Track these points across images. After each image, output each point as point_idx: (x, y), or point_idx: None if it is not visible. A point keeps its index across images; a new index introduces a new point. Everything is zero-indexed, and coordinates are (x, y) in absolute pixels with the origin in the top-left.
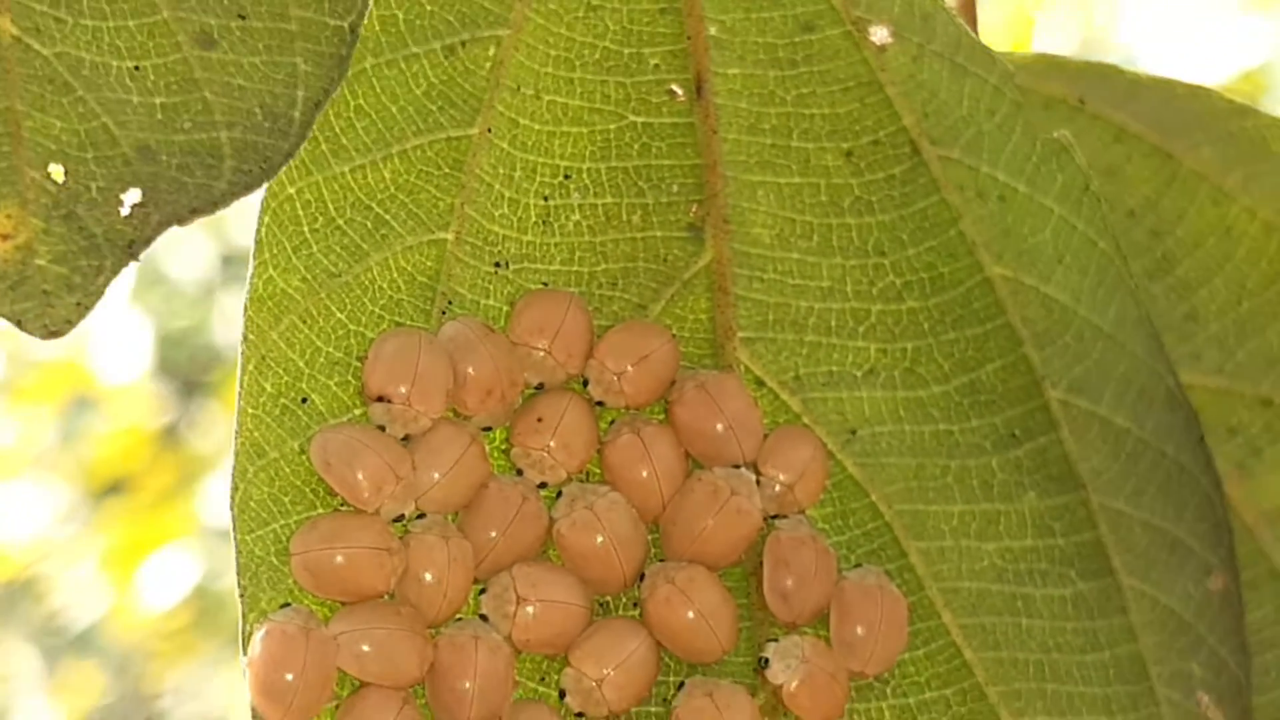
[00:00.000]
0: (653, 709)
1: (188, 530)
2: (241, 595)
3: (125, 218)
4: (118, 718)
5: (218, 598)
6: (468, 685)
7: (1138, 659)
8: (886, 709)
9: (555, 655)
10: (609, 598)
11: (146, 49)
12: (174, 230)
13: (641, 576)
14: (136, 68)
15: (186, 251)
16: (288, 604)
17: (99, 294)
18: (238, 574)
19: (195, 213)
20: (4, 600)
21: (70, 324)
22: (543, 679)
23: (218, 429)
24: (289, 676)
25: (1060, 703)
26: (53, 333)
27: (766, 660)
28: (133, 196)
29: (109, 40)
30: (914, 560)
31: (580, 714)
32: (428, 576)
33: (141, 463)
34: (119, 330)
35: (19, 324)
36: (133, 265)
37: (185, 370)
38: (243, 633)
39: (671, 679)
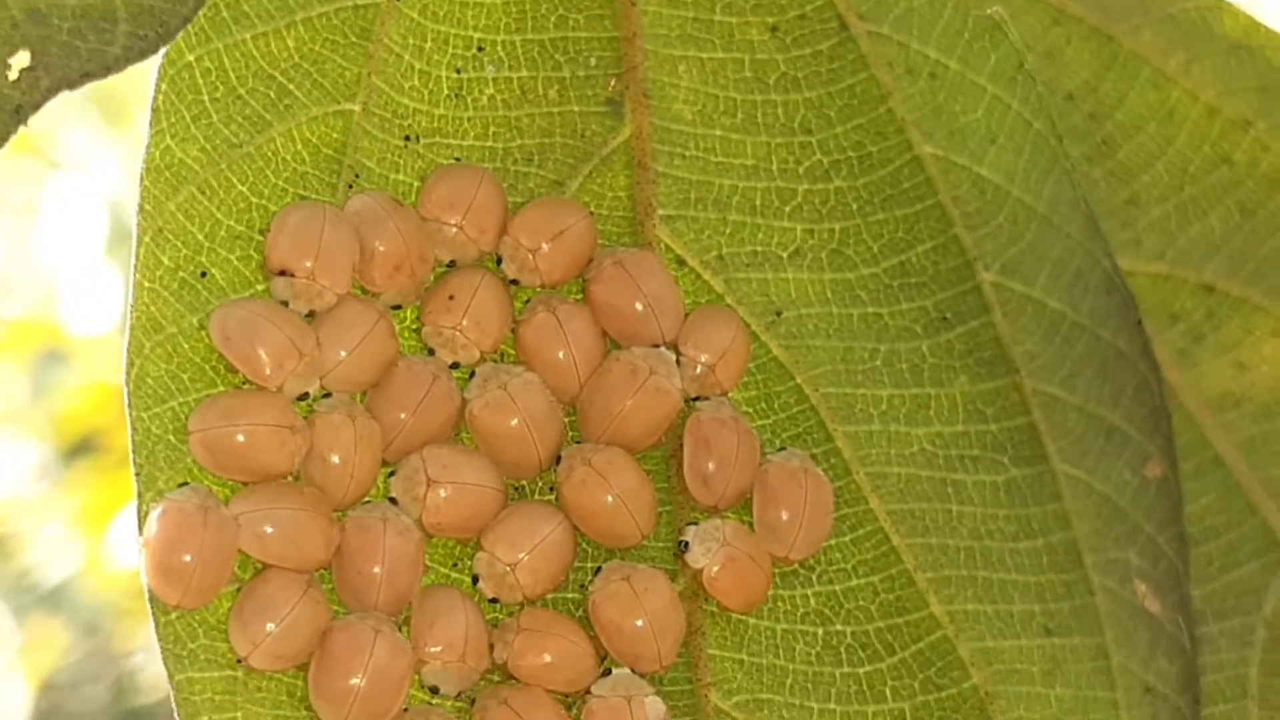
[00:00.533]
0: (569, 595)
1: None
2: (137, 475)
3: (13, 82)
4: (88, 675)
5: None
6: (376, 569)
7: (1072, 546)
8: (811, 595)
9: (467, 540)
10: (523, 482)
11: None
12: None
13: (557, 460)
14: None
15: None
16: (185, 483)
17: None
18: (133, 452)
19: (86, 77)
20: None
21: None
22: (455, 564)
23: None
24: (186, 558)
25: (992, 590)
26: None
27: (686, 544)
28: (21, 60)
29: None
30: (840, 445)
31: (494, 599)
32: (334, 458)
33: (112, 418)
34: (89, 285)
35: None
36: (104, 219)
37: None
38: (139, 513)
39: (589, 565)
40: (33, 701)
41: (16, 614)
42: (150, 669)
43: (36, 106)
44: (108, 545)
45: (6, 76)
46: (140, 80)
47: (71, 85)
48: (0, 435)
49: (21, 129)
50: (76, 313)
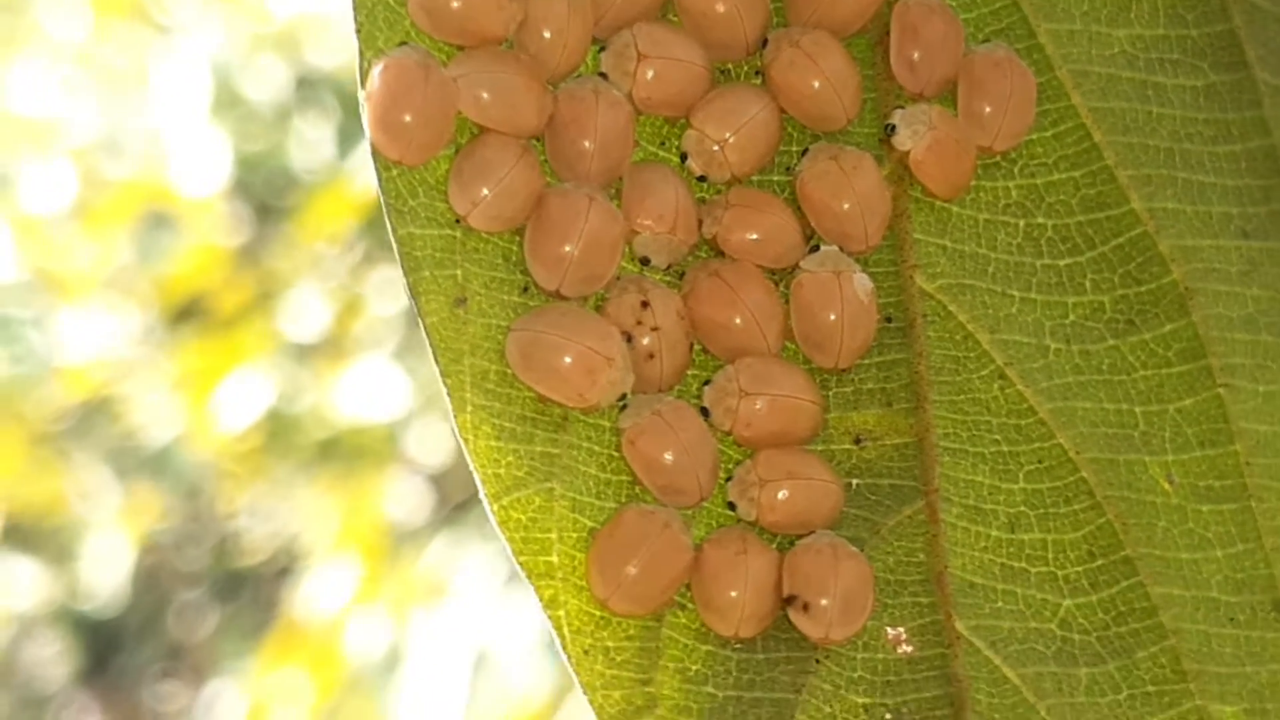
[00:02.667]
0: (775, 178)
1: (263, 351)
2: (358, 31)
3: None
4: (189, 537)
5: (292, 420)
6: (588, 142)
7: (1270, 153)
8: (1013, 187)
9: (676, 117)
10: (730, 65)
11: None
12: (249, 51)
13: (764, 42)
14: None
15: (262, 74)
16: (405, 43)
17: None
18: (354, 9)
19: None
20: (78, 421)
21: None
22: (663, 144)
23: (295, 253)
24: (407, 116)
25: (1191, 191)
26: None
27: (893, 127)
28: None
29: None
30: (1043, 41)
31: (702, 177)
32: (547, 29)
33: (217, 282)
34: (196, 148)
35: None
36: (209, 84)
37: (261, 194)
38: (360, 70)
39: (794, 149)
40: (134, 561)
41: (120, 476)
42: (252, 532)
43: None
44: (211, 409)
45: None
46: None
47: None
48: (105, 298)
49: None
50: (182, 176)
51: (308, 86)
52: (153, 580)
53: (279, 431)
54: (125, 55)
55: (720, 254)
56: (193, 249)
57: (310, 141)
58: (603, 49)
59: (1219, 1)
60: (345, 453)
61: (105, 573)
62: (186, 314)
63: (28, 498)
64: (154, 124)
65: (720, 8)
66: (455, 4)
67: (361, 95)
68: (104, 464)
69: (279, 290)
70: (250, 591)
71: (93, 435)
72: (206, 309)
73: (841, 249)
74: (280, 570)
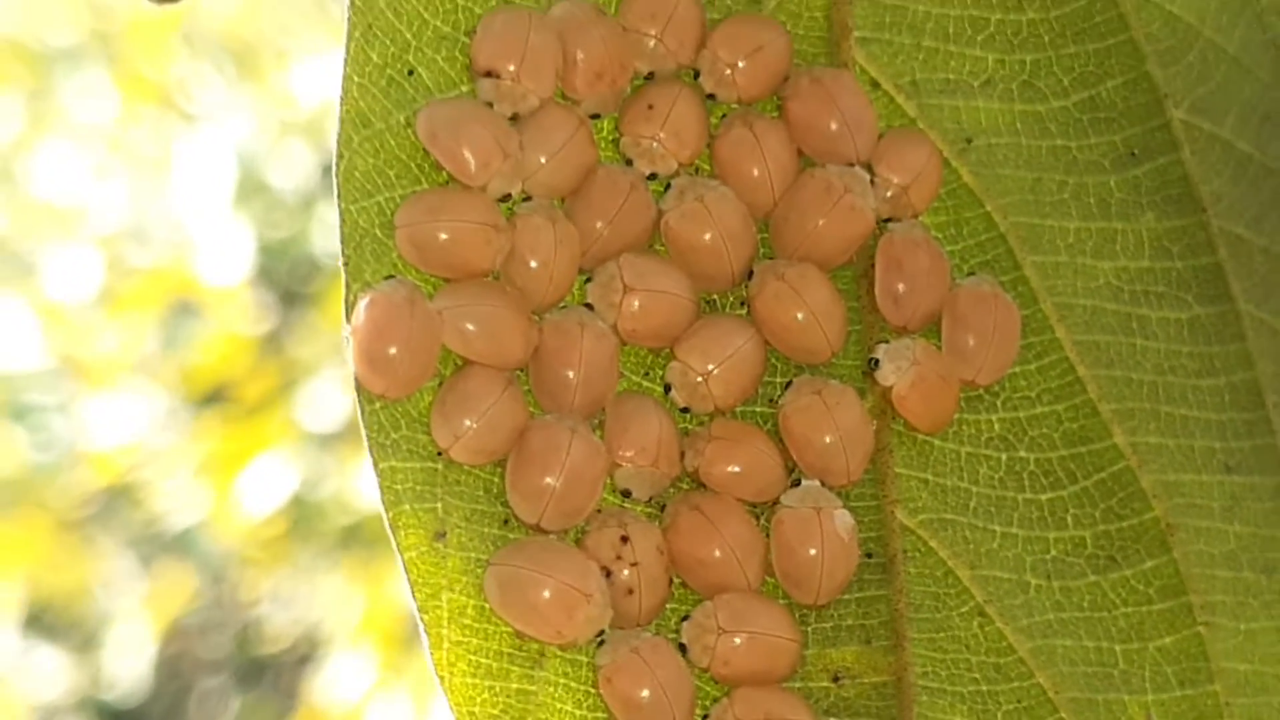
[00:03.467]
0: (758, 409)
1: (286, 438)
2: (345, 265)
3: None
4: (212, 624)
5: (315, 507)
6: (572, 373)
7: (1254, 386)
8: (996, 420)
9: (660, 349)
10: (716, 295)
11: None
12: (274, 141)
13: (750, 274)
14: None
15: (287, 161)
16: (391, 276)
17: None
18: (341, 244)
19: None
20: (102, 505)
21: None
22: (646, 374)
23: (318, 339)
24: (392, 349)
25: (1174, 425)
26: None
27: (876, 361)
28: None
29: None
30: (1029, 273)
31: (685, 409)
32: (533, 260)
33: (242, 370)
34: (220, 236)
35: None
36: (234, 173)
37: (285, 280)
38: (346, 303)
39: (778, 380)
40: (157, 647)
41: (143, 561)
42: (274, 618)
43: None
44: (234, 494)
45: None
46: (272, 34)
47: None
48: (130, 384)
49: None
50: (207, 264)
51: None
52: (175, 667)
53: (301, 518)
54: (152, 142)
55: (702, 486)
56: (217, 337)
57: (334, 228)
58: (589, 279)
59: (1204, 234)
60: (367, 540)
61: (128, 660)
62: (211, 400)
63: (52, 584)
64: (179, 211)
65: (707, 239)
66: (442, 237)
67: (346, 329)
68: (127, 550)
69: (302, 377)
70: (272, 679)
71: (116, 521)
72: (230, 395)
73: (823, 483)
74: (302, 657)
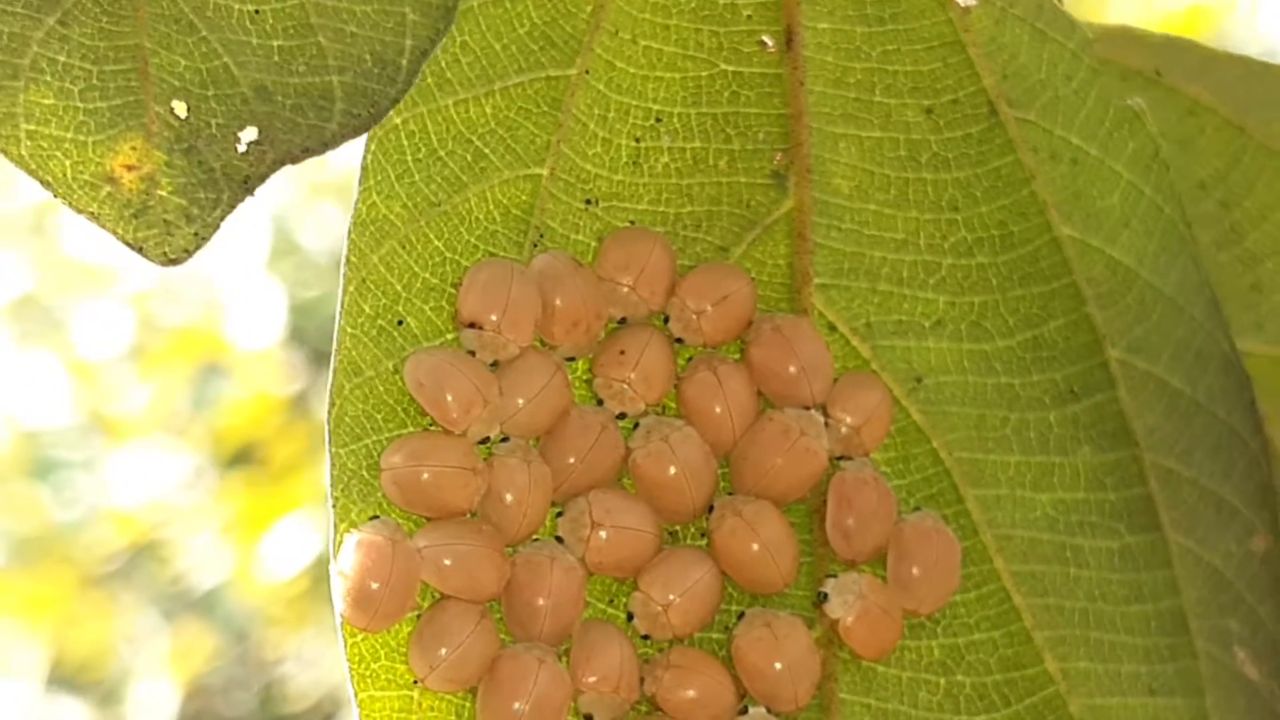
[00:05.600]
0: (714, 635)
1: (313, 499)
2: (333, 506)
3: (242, 154)
4: (235, 682)
5: None
6: (542, 602)
7: (1179, 613)
8: (936, 647)
9: (625, 579)
10: (678, 527)
11: None
12: (306, 201)
13: (710, 508)
14: (256, 11)
15: (318, 222)
16: (376, 516)
17: (215, 226)
18: (330, 485)
19: (307, 152)
20: (127, 563)
21: (188, 253)
22: (611, 601)
23: None
24: (375, 585)
25: (1103, 650)
26: (171, 260)
27: (825, 595)
28: (249, 134)
29: None
30: (970, 506)
31: (646, 636)
32: (508, 497)
33: (270, 430)
34: (252, 297)
35: (140, 250)
36: (267, 233)
37: (315, 340)
38: (333, 542)
39: (734, 608)
40: (180, 705)
41: (166, 618)
42: (298, 678)
43: (263, 178)
44: (259, 555)
45: (236, 149)
46: None
47: (294, 159)
48: (158, 442)
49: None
50: (238, 326)
51: None
52: None
53: (325, 578)
54: None
55: (659, 710)
56: (247, 399)
57: None
58: (560, 513)
59: (1137, 467)
60: None
61: (150, 717)
62: (238, 460)
63: (75, 640)
64: (211, 270)
65: (671, 475)
66: (424, 478)
67: (333, 567)
68: (151, 607)
69: None
70: None
71: (141, 578)
72: (258, 456)
73: (770, 709)
74: (325, 717)
